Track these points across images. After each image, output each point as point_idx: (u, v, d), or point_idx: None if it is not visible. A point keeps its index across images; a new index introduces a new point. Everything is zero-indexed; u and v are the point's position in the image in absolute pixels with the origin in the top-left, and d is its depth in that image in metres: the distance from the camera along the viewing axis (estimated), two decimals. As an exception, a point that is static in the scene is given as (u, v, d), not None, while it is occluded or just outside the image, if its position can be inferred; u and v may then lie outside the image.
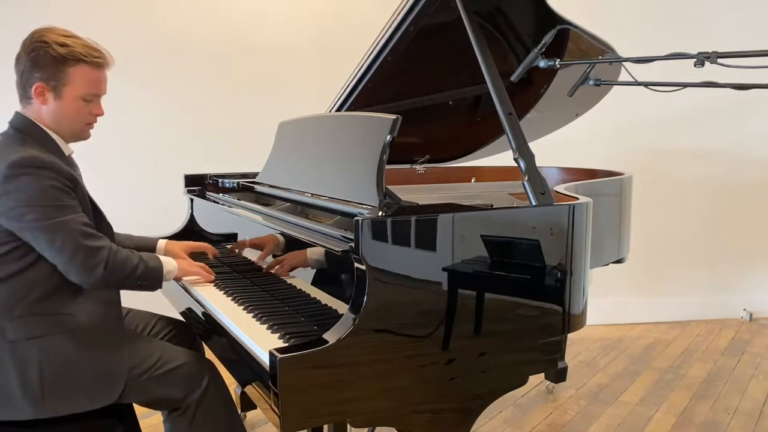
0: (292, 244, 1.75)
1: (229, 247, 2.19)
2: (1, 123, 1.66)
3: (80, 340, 1.56)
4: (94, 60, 1.63)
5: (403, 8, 2.05)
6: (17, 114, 1.64)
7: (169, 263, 1.76)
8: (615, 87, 2.39)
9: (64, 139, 1.67)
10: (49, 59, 1.58)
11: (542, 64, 1.76)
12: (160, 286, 1.74)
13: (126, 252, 1.63)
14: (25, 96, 1.62)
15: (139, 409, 1.75)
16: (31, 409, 1.51)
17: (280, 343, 1.42)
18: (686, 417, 2.74)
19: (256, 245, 1.98)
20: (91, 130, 1.71)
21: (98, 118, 1.70)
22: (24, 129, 1.61)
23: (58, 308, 1.56)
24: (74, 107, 1.63)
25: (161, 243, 2.06)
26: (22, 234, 1.51)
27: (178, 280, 1.91)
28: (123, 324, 1.70)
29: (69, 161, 1.68)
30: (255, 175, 2.36)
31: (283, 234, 1.79)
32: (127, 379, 1.59)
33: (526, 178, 1.65)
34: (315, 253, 1.64)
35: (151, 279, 1.68)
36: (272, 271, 1.85)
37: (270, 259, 1.88)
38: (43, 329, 1.54)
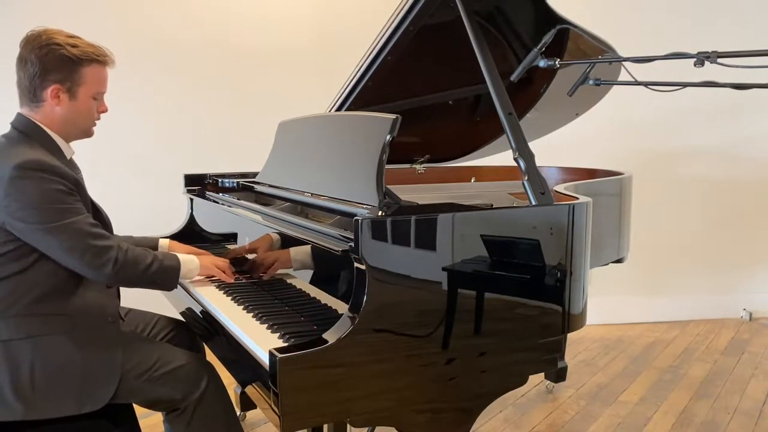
0: (287, 242, 1.75)
1: (229, 249, 2.19)
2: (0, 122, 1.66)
3: (73, 341, 1.56)
4: (105, 59, 1.66)
5: (403, 8, 2.05)
6: (20, 116, 1.63)
7: (189, 262, 1.77)
8: (615, 87, 2.39)
9: (67, 139, 1.68)
10: (64, 60, 1.58)
11: (542, 63, 1.76)
12: (175, 286, 1.75)
13: (139, 251, 1.63)
14: (34, 99, 1.60)
15: (139, 409, 1.75)
16: (22, 409, 1.50)
17: (280, 343, 1.42)
18: (686, 417, 2.74)
19: (252, 250, 1.98)
20: (95, 128, 1.73)
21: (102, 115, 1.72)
22: (28, 132, 1.60)
23: (54, 309, 1.56)
24: (87, 107, 1.65)
25: (163, 242, 2.05)
26: (26, 236, 1.51)
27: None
28: (119, 327, 1.69)
29: (71, 164, 1.69)
30: (255, 175, 2.36)
31: (279, 233, 1.79)
32: (123, 380, 1.59)
33: (526, 178, 1.65)
34: (299, 253, 1.64)
35: (166, 277, 1.69)
36: (261, 275, 1.84)
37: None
38: (37, 330, 1.54)
